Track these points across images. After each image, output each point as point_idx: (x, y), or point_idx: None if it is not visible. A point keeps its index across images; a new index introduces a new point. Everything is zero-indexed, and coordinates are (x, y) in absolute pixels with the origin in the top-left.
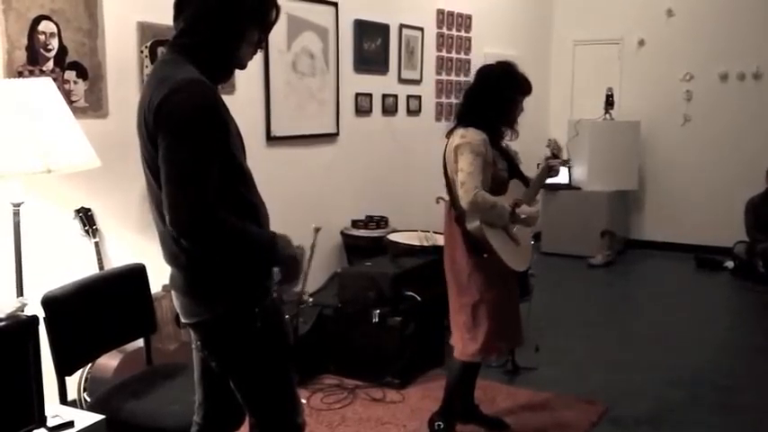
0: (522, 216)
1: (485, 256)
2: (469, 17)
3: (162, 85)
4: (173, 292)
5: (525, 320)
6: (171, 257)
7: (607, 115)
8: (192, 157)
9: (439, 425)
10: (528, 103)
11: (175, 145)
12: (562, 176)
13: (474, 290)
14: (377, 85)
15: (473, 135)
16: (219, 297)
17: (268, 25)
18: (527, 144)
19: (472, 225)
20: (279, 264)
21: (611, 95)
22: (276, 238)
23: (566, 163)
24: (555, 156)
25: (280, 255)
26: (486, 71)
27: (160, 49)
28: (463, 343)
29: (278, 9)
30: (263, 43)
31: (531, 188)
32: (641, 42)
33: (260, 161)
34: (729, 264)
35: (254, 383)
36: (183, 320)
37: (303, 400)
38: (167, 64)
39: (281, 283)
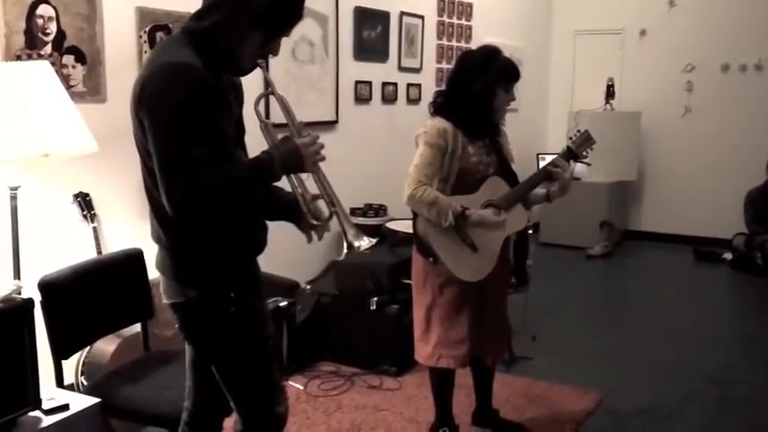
0: (474, 218)
1: (430, 260)
2: (470, 5)
3: (149, 66)
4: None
5: (522, 310)
6: (155, 236)
7: (607, 106)
8: (172, 142)
9: (444, 430)
10: (527, 93)
11: (155, 131)
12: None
13: (429, 291)
14: (377, 73)
15: (432, 124)
16: (194, 280)
17: (278, 34)
18: (524, 136)
19: (420, 224)
20: (285, 166)
21: (612, 86)
22: (265, 157)
23: (577, 165)
24: (575, 155)
25: (280, 157)
26: (464, 57)
27: (159, 35)
28: (418, 344)
29: (295, 22)
30: (270, 53)
31: (512, 191)
32: (643, 33)
33: (257, 148)
34: (728, 256)
35: (228, 369)
36: (163, 300)
37: (300, 386)
38: (166, 44)
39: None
